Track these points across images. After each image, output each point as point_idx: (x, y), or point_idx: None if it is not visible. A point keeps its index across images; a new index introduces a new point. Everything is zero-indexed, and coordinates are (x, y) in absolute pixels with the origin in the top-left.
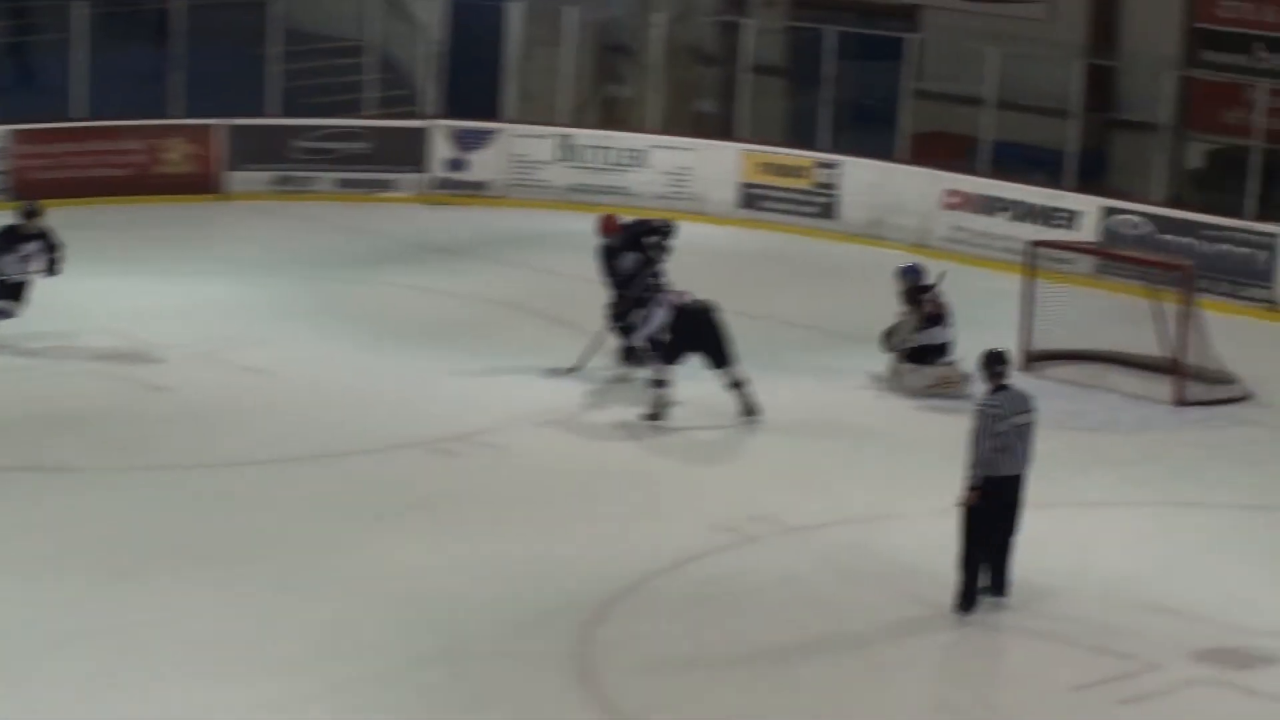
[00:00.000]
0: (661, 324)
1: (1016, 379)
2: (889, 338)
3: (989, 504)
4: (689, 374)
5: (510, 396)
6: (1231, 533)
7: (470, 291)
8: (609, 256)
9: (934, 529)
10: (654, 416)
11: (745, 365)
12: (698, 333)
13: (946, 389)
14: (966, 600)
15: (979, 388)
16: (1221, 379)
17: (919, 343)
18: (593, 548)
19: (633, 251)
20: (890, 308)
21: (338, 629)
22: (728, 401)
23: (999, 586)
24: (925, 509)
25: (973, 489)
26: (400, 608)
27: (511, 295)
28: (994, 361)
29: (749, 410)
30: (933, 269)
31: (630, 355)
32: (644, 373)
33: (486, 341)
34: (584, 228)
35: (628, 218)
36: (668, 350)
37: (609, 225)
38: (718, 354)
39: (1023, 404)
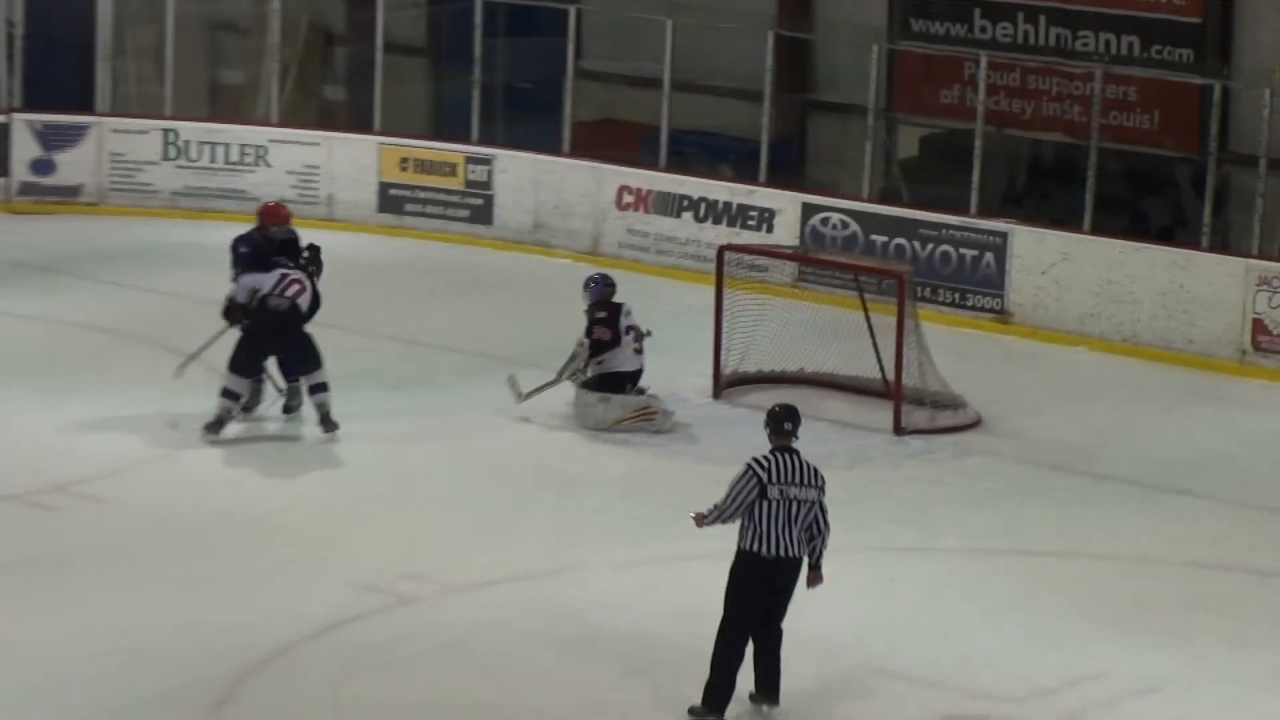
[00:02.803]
0: (254, 289)
1: (802, 444)
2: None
3: (756, 589)
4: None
5: (114, 439)
6: (963, 582)
7: (62, 316)
8: (261, 254)
9: (619, 584)
10: (214, 427)
11: (391, 398)
12: (281, 335)
13: (645, 421)
14: (716, 701)
15: (674, 420)
16: (946, 402)
17: (599, 371)
18: (221, 613)
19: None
20: (561, 326)
21: None
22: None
23: (770, 693)
24: (607, 561)
25: (704, 520)
26: None
27: (112, 320)
28: (781, 419)
29: (325, 422)
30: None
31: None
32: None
33: (83, 375)
34: (196, 238)
35: None
36: (249, 356)
37: (283, 213)
38: (302, 357)
39: (804, 476)
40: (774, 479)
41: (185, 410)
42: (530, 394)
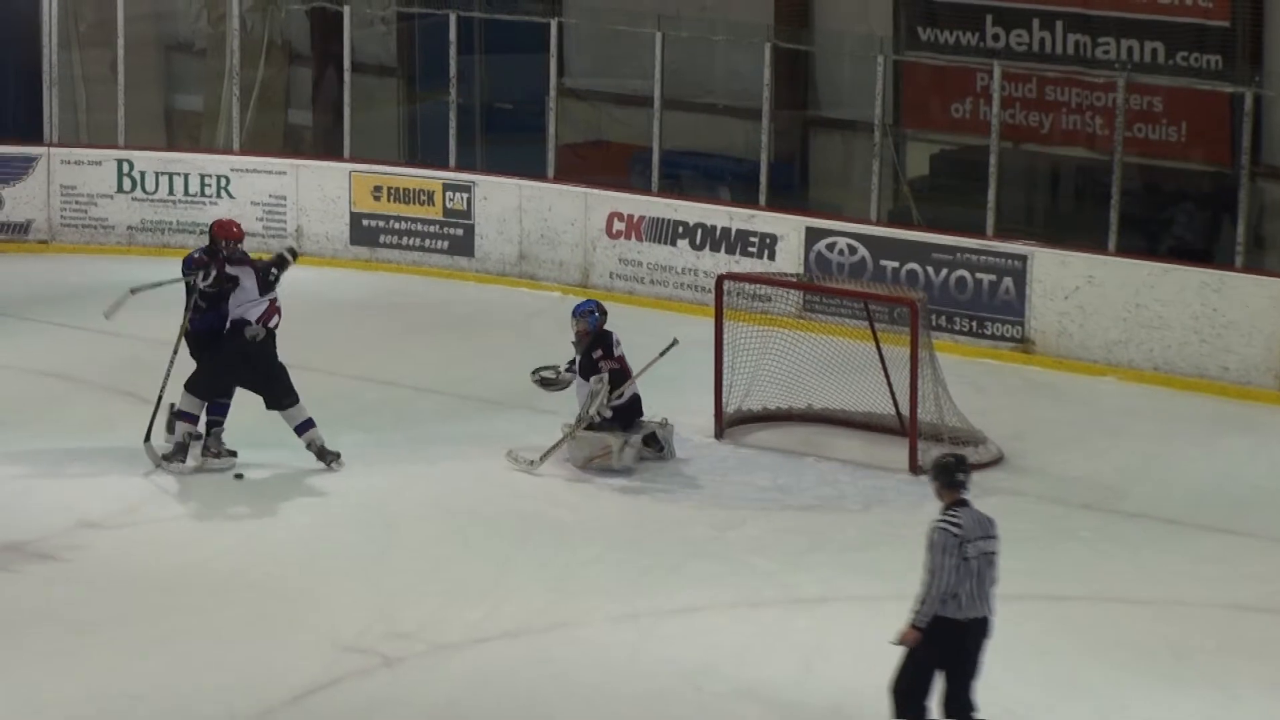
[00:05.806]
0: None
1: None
2: (547, 385)
3: (947, 653)
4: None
5: (70, 493)
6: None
7: (11, 362)
8: (222, 276)
9: (618, 639)
10: (175, 455)
11: (369, 443)
12: (252, 365)
13: (603, 460)
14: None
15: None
16: (965, 439)
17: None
18: (191, 678)
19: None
20: (550, 364)
21: None
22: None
23: None
24: (601, 615)
25: (918, 628)
26: None
27: (66, 365)
28: (954, 470)
29: (324, 456)
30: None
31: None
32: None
33: (35, 424)
34: (154, 276)
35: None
36: (210, 379)
37: (238, 229)
38: (274, 390)
39: (988, 526)
40: (969, 536)
41: (147, 460)
42: (546, 455)
